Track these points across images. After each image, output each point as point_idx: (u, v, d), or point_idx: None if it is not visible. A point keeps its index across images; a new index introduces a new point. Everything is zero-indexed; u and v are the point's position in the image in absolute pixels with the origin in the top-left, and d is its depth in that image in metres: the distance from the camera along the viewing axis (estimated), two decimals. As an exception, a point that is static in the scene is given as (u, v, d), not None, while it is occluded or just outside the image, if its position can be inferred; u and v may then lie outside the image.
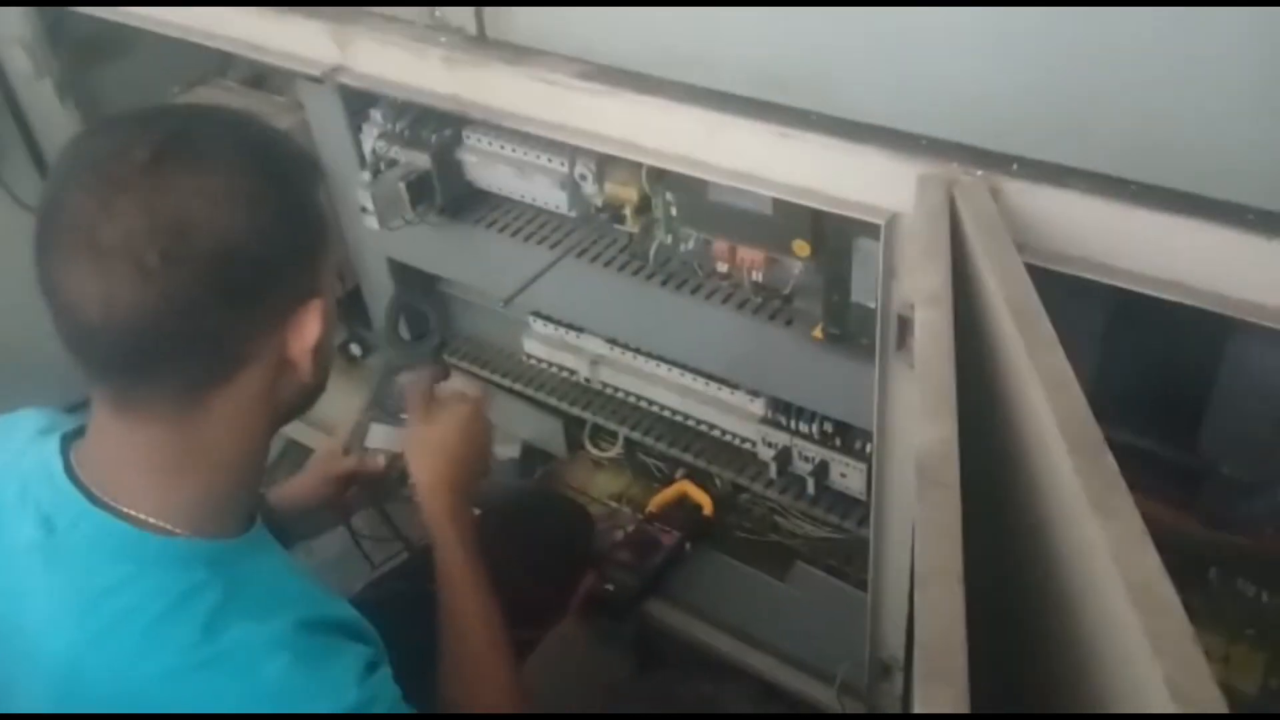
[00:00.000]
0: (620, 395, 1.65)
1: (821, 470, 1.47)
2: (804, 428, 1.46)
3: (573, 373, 1.68)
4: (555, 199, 1.45)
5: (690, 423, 1.59)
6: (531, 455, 1.84)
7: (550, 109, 1.20)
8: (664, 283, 1.44)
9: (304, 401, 0.87)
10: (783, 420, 1.48)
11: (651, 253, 1.43)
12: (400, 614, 1.01)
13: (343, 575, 1.33)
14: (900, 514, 1.22)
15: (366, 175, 1.51)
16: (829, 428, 1.44)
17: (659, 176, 1.33)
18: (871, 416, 1.16)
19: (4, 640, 0.81)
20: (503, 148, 1.46)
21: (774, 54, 1.04)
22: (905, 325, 1.04)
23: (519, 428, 1.81)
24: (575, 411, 1.71)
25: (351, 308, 1.89)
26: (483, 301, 1.79)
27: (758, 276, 1.33)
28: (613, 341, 1.60)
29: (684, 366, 1.55)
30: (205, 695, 0.76)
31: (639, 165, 1.31)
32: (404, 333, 1.79)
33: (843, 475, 1.46)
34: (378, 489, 1.25)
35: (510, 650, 1.05)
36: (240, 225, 0.75)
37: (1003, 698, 0.81)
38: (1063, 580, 0.71)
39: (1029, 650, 0.81)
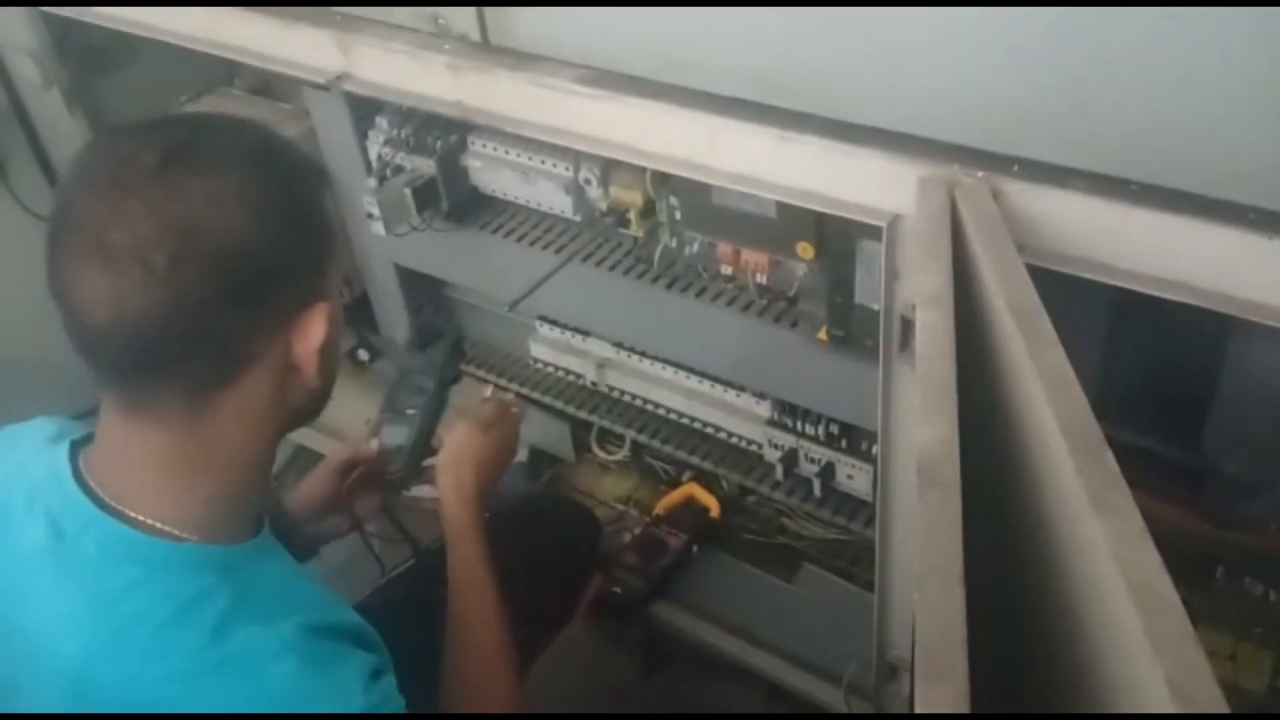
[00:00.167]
0: (626, 398, 1.65)
1: (828, 472, 1.47)
2: (810, 429, 1.46)
3: (579, 376, 1.68)
4: (560, 204, 1.46)
5: (696, 425, 1.60)
6: (539, 459, 1.84)
7: (553, 114, 1.20)
8: (669, 286, 1.44)
9: (310, 406, 0.87)
10: (789, 422, 1.48)
11: (656, 256, 1.44)
12: (405, 617, 1.02)
13: (352, 580, 1.34)
14: (906, 515, 1.22)
15: (372, 181, 1.52)
16: (835, 429, 1.45)
17: (663, 180, 1.33)
18: (876, 418, 1.16)
19: (10, 642, 0.82)
20: (507, 153, 1.46)
21: (774, 58, 1.04)
22: (908, 326, 1.04)
23: (526, 431, 1.80)
24: (582, 415, 1.72)
25: (359, 314, 1.90)
26: (489, 306, 1.79)
27: (762, 279, 1.34)
28: (619, 345, 1.61)
29: (690, 369, 1.55)
30: (214, 698, 0.77)
31: (643, 169, 1.32)
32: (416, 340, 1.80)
33: (849, 477, 1.47)
34: (378, 477, 1.25)
35: (516, 659, 1.06)
36: (246, 228, 0.77)
37: (1004, 697, 0.81)
38: (1063, 580, 0.71)
39: (1030, 650, 0.81)
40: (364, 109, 1.53)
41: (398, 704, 0.84)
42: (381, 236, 1.55)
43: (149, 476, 0.81)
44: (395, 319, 1.85)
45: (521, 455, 1.81)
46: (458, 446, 1.18)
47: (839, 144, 1.02)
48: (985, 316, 0.85)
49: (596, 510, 1.71)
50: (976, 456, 0.72)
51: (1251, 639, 1.29)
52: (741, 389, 1.52)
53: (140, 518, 0.80)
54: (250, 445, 0.84)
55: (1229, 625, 1.29)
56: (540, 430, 1.80)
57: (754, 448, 1.55)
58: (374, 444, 1.24)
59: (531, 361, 1.74)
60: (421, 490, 1.25)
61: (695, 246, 1.38)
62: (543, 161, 1.44)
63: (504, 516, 1.43)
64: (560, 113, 1.19)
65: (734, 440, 1.57)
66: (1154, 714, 0.55)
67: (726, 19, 1.04)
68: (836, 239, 1.19)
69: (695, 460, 1.63)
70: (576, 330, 1.64)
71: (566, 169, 1.42)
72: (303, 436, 1.89)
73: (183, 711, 0.76)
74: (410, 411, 1.26)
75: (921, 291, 0.86)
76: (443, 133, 1.49)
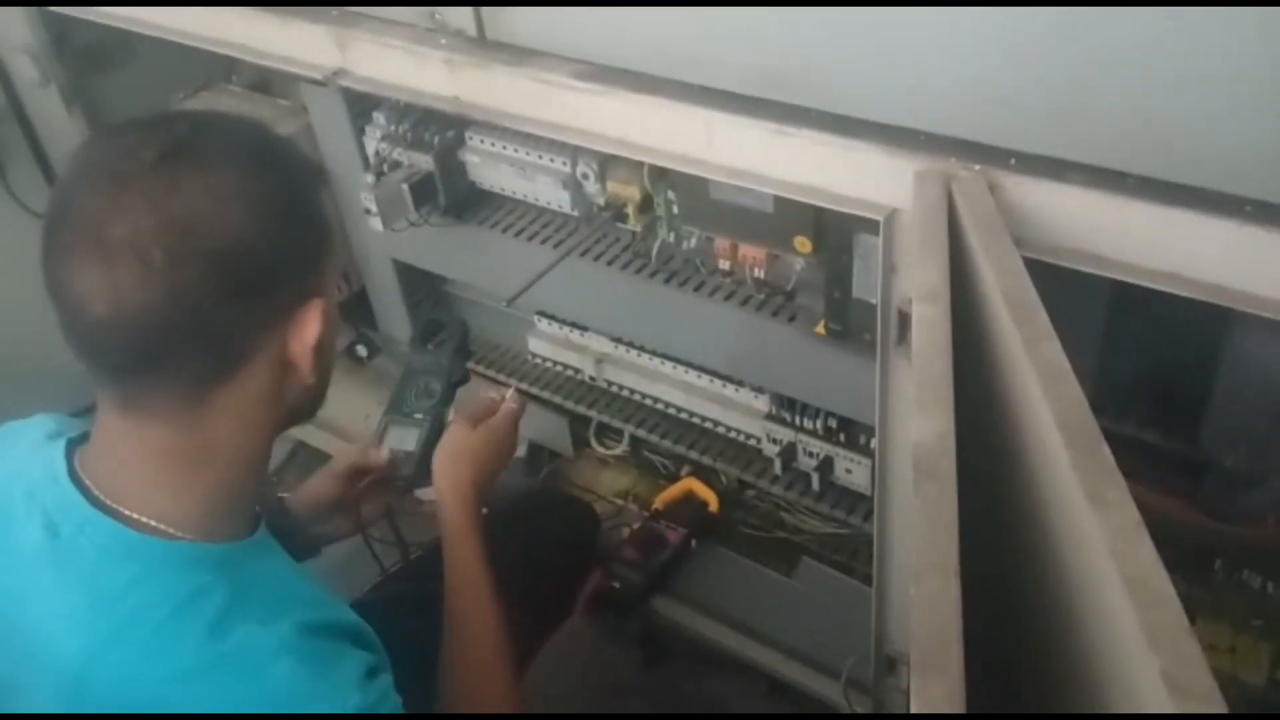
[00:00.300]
0: (625, 393, 1.66)
1: (826, 466, 1.47)
2: (808, 424, 1.46)
3: (577, 371, 1.68)
4: (558, 198, 1.46)
5: (695, 420, 1.60)
6: (537, 454, 1.84)
7: (550, 109, 1.20)
8: (667, 280, 1.44)
9: (307, 403, 0.88)
10: (787, 416, 1.48)
11: (654, 251, 1.44)
12: (403, 615, 1.02)
13: (351, 578, 1.34)
14: (904, 509, 1.22)
15: (370, 177, 1.52)
16: (833, 423, 1.45)
17: (661, 175, 1.33)
18: (874, 412, 1.16)
19: (10, 641, 0.82)
20: (505, 148, 1.46)
21: (772, 52, 1.04)
22: (905, 320, 1.04)
23: (524, 427, 1.80)
24: (580, 410, 1.72)
25: (357, 310, 1.90)
26: (487, 301, 1.79)
27: (760, 273, 1.34)
28: (617, 340, 1.61)
29: (688, 364, 1.55)
30: (213, 697, 0.77)
31: (641, 164, 1.32)
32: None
33: (848, 470, 1.47)
34: (387, 482, 1.25)
35: (513, 657, 1.06)
36: (244, 225, 0.77)
37: (1000, 691, 0.81)
38: (1060, 574, 0.71)
39: (1027, 644, 0.81)
40: (361, 105, 1.53)
41: (394, 703, 0.84)
42: (379, 232, 1.55)
43: (145, 474, 0.81)
44: (394, 315, 1.85)
45: (520, 450, 1.81)
46: (454, 444, 1.16)
47: (836, 138, 1.02)
48: (982, 310, 0.85)
49: (595, 505, 1.71)
50: (973, 450, 0.72)
51: (1250, 632, 1.29)
52: (740, 383, 1.52)
53: (136, 516, 0.80)
54: (246, 442, 0.84)
55: (1228, 618, 1.29)
56: (539, 425, 1.80)
57: (752, 442, 1.55)
58: (384, 452, 1.22)
59: (530, 357, 1.74)
60: (426, 493, 1.25)
61: (693, 241, 1.38)
62: (540, 157, 1.43)
63: (503, 512, 1.43)
64: (557, 108, 1.19)
65: (733, 435, 1.57)
66: (1154, 714, 0.55)
67: (724, 13, 1.04)
68: (834, 233, 1.19)
69: (694, 455, 1.63)
70: (575, 325, 1.64)
71: (564, 164, 1.42)
72: (302, 432, 1.89)
73: (182, 710, 0.76)
74: (418, 415, 1.25)
75: (918, 285, 0.86)
76: (440, 128, 1.48)
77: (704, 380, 1.55)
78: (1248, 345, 1.12)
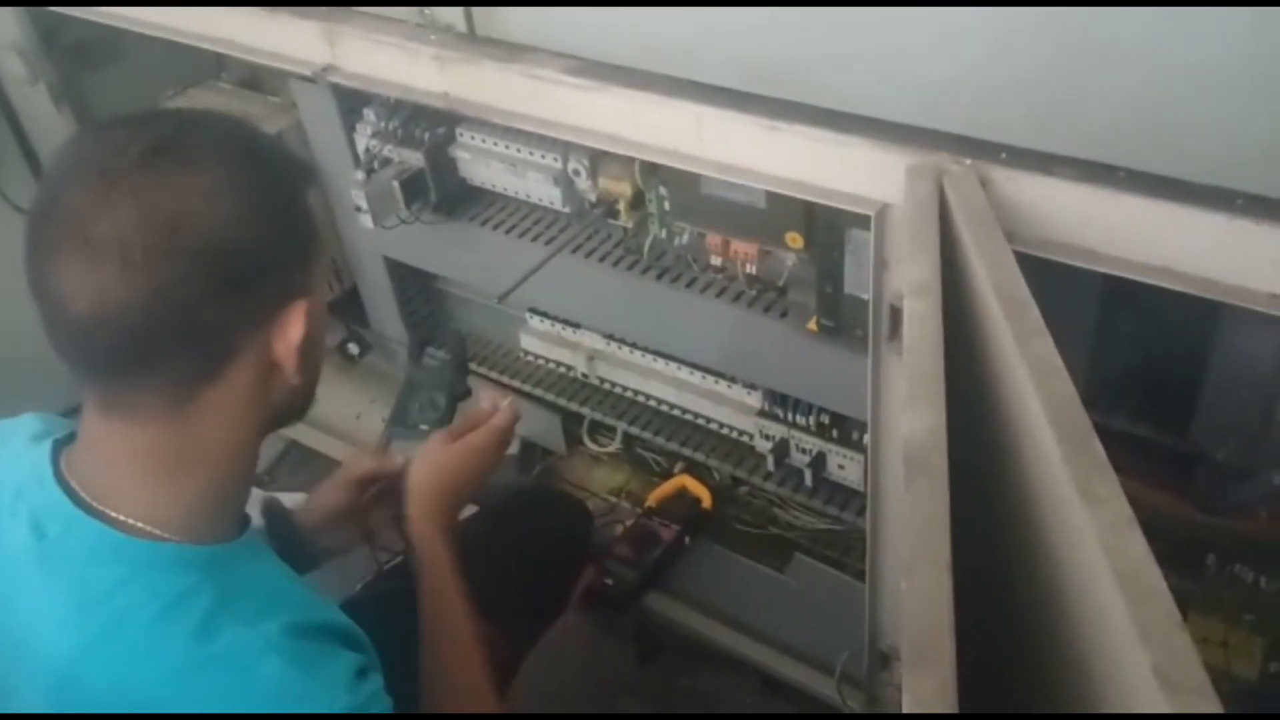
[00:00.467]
0: (618, 390, 1.65)
1: (819, 462, 1.47)
2: (801, 420, 1.46)
3: (570, 368, 1.68)
4: (549, 195, 1.46)
5: (688, 416, 1.59)
6: (530, 451, 1.84)
7: (541, 105, 1.20)
8: (659, 277, 1.44)
9: (294, 404, 0.87)
10: (779, 412, 1.48)
11: (646, 247, 1.44)
12: (397, 612, 1.02)
13: (347, 575, 1.33)
14: (897, 504, 1.22)
15: (361, 174, 1.51)
16: (826, 419, 1.45)
17: (652, 171, 1.33)
18: (867, 407, 1.16)
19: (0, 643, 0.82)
20: (496, 144, 1.46)
21: (761, 47, 1.04)
22: (897, 316, 1.04)
23: (517, 424, 1.81)
24: (573, 407, 1.71)
25: (349, 307, 1.90)
26: (479, 298, 1.79)
27: (752, 269, 1.33)
28: (609, 336, 1.60)
29: (680, 360, 1.55)
30: (203, 696, 0.76)
31: (632, 160, 1.31)
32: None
33: (840, 467, 1.47)
34: (399, 490, 1.24)
35: (495, 679, 1.03)
36: (228, 221, 0.76)
37: (993, 686, 0.81)
38: (1052, 568, 0.71)
39: (1019, 638, 0.81)
40: (351, 101, 1.52)
41: (384, 704, 0.83)
42: (370, 229, 1.54)
43: (131, 475, 0.80)
44: (385, 312, 1.85)
45: (513, 448, 1.80)
46: (427, 461, 1.12)
47: (827, 133, 1.02)
48: (973, 304, 0.85)
49: (588, 502, 1.70)
50: (965, 446, 0.72)
51: (1243, 626, 1.29)
52: (732, 380, 1.52)
53: (122, 517, 0.80)
54: (232, 443, 0.83)
55: (1220, 612, 1.30)
56: (531, 422, 1.79)
57: (745, 438, 1.55)
58: (399, 459, 1.18)
59: (522, 354, 1.74)
60: None
61: (685, 237, 1.38)
62: (531, 153, 1.43)
63: (496, 510, 1.43)
64: (548, 104, 1.19)
65: (725, 431, 1.57)
66: (1154, 714, 0.55)
67: (715, 9, 1.04)
68: (825, 229, 1.19)
69: (687, 451, 1.63)
70: (567, 322, 1.64)
71: (555, 160, 1.41)
72: (294, 431, 1.89)
73: (173, 711, 0.76)
74: (423, 427, 1.24)
75: (909, 280, 0.86)
76: (430, 125, 1.48)
77: (696, 377, 1.55)
78: (1239, 338, 1.12)
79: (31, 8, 1.68)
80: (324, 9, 1.34)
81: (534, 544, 1.42)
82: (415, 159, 1.50)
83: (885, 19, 0.95)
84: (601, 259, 1.48)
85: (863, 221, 1.04)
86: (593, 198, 1.43)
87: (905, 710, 0.56)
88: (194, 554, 0.81)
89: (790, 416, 1.47)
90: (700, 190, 1.26)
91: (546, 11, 1.17)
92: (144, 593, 0.77)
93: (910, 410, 0.72)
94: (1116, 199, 0.90)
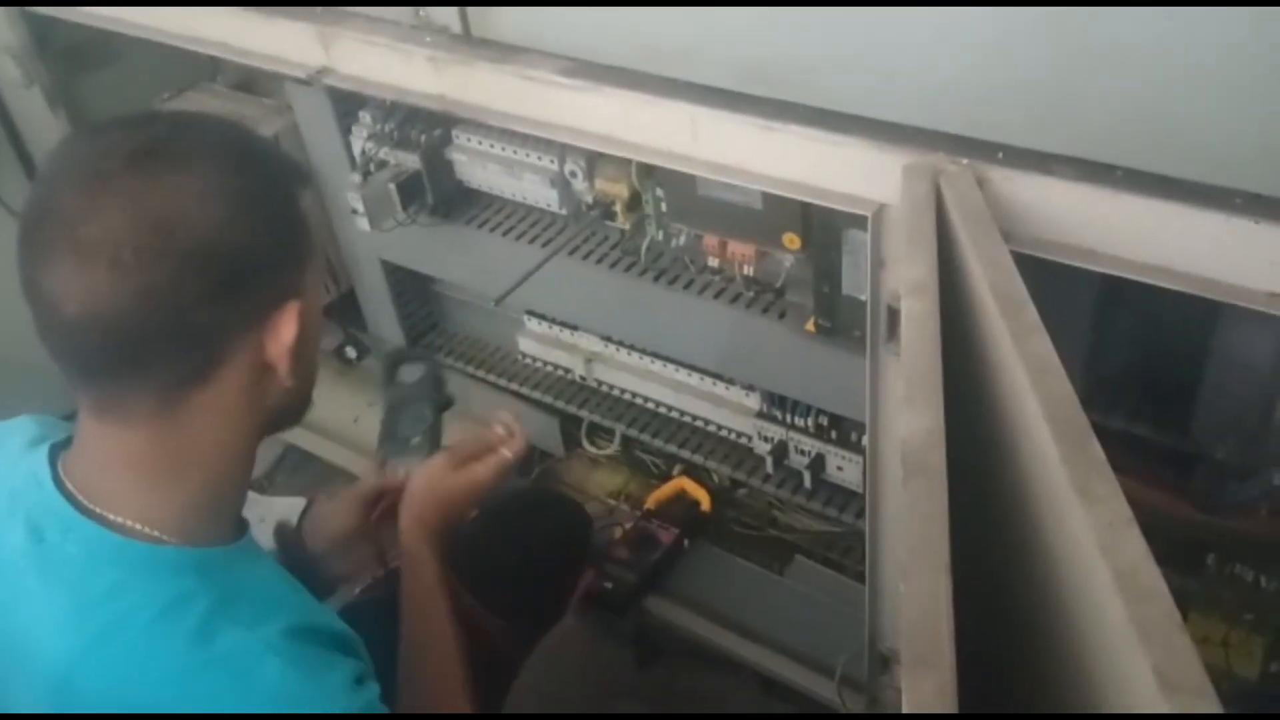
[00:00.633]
0: (616, 392, 1.65)
1: (818, 463, 1.47)
2: (799, 421, 1.46)
3: (568, 371, 1.68)
4: (546, 197, 1.45)
5: (686, 419, 1.59)
6: (528, 454, 1.83)
7: (537, 106, 1.19)
8: (656, 278, 1.44)
9: (289, 407, 0.87)
10: (778, 414, 1.48)
11: (643, 249, 1.43)
12: (395, 619, 1.02)
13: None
14: (896, 505, 1.21)
15: (357, 177, 1.51)
16: (824, 421, 1.44)
17: (649, 172, 1.33)
18: (865, 408, 1.16)
19: (-1, 646, 0.82)
20: (492, 146, 1.46)
21: (757, 47, 1.03)
22: (894, 316, 1.03)
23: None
24: (571, 409, 1.71)
25: (346, 311, 1.90)
26: (476, 301, 1.79)
27: (749, 270, 1.33)
28: (607, 338, 1.60)
29: (679, 362, 1.55)
30: (203, 699, 0.76)
31: (629, 161, 1.31)
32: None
33: (839, 468, 1.46)
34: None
35: (462, 671, 1.02)
36: (220, 223, 0.76)
37: (992, 686, 0.81)
38: (1050, 569, 0.70)
39: (1019, 639, 0.81)
40: (347, 104, 1.52)
41: (379, 712, 0.83)
42: (367, 232, 1.54)
43: (126, 478, 0.80)
44: (383, 315, 1.85)
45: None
46: (430, 479, 1.11)
47: (823, 133, 1.02)
48: (971, 304, 0.85)
49: (587, 505, 1.70)
50: (963, 446, 0.72)
51: (1243, 625, 1.29)
52: (730, 381, 1.51)
53: (119, 520, 0.80)
54: (227, 446, 0.83)
55: (1220, 612, 1.29)
56: (530, 425, 1.78)
57: (744, 440, 1.55)
58: (402, 471, 1.17)
59: (520, 356, 1.74)
60: None
61: (682, 238, 1.38)
62: (528, 155, 1.43)
63: (494, 512, 1.43)
64: (543, 105, 1.19)
65: (724, 433, 1.57)
66: (1154, 714, 0.55)
67: (709, 9, 1.03)
68: (822, 229, 1.18)
69: (685, 454, 1.62)
70: (564, 324, 1.64)
71: (551, 162, 1.41)
72: (291, 435, 1.88)
73: (174, 712, 0.76)
74: (415, 440, 1.23)
75: (906, 280, 0.85)
76: (426, 127, 1.48)
77: (694, 378, 1.54)
78: (1237, 337, 1.12)
79: (26, 9, 1.67)
80: (318, 11, 1.34)
81: (533, 547, 1.42)
82: (411, 161, 1.50)
83: (881, 19, 0.95)
84: (599, 261, 1.48)
85: (859, 222, 1.04)
86: (589, 199, 1.43)
87: (905, 712, 0.56)
88: (191, 556, 0.80)
89: (789, 418, 1.47)
90: (697, 192, 1.26)
91: (542, 12, 1.16)
92: (141, 596, 0.77)
93: (908, 411, 0.72)
94: (1114, 198, 0.90)
